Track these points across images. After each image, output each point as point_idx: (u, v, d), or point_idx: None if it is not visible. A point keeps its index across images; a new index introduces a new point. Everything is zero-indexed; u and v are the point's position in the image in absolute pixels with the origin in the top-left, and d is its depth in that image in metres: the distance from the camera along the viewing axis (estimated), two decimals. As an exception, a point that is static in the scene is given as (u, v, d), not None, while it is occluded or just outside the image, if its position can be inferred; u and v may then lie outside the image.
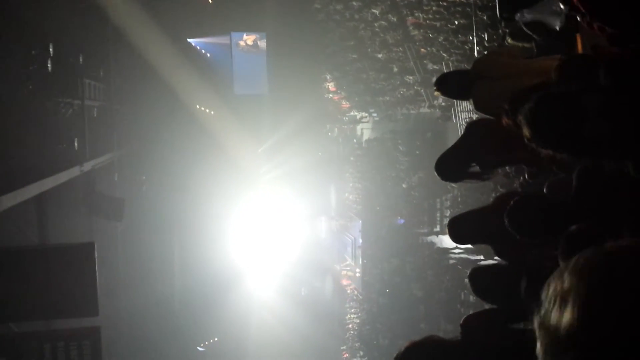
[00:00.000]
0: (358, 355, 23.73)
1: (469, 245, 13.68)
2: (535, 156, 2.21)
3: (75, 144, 14.53)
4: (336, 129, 26.43)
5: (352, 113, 24.70)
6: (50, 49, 13.36)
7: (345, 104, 24.26)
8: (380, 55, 18.76)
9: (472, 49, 12.46)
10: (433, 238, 19.41)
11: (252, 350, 26.05)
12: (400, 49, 17.45)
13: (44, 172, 12.22)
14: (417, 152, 19.96)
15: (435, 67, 15.74)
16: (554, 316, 1.00)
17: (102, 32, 18.37)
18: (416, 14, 15.54)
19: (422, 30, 15.60)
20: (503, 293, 3.51)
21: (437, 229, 19.26)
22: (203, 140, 23.10)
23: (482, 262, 14.97)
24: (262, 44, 25.75)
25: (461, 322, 3.78)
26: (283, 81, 24.18)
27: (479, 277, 3.76)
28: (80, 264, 12.03)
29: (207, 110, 24.95)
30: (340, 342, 24.95)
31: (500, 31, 9.75)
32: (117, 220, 17.87)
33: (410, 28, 16.34)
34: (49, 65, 13.22)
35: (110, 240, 18.69)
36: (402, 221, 21.27)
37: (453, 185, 14.29)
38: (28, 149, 12.39)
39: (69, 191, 14.92)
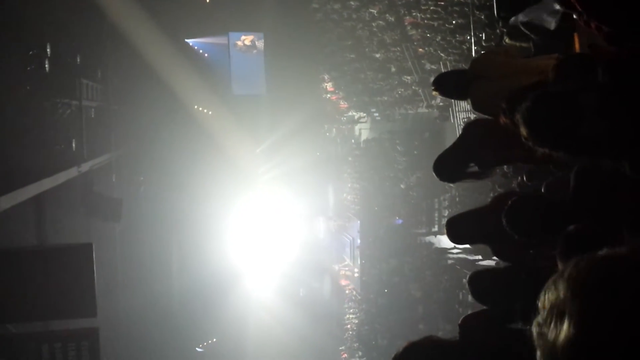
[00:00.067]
0: (357, 355, 23.74)
1: (467, 246, 13.69)
2: (533, 155, 2.21)
3: (73, 145, 14.52)
4: (334, 129, 26.44)
5: (350, 113, 24.71)
6: (48, 50, 13.34)
7: (343, 104, 24.26)
8: (378, 55, 18.77)
9: (469, 49, 12.47)
10: (431, 238, 19.42)
11: (251, 350, 26.04)
12: (398, 48, 17.46)
13: (42, 173, 12.20)
14: (415, 152, 19.97)
15: (433, 66, 15.75)
16: (550, 331, 1.00)
17: (100, 32, 18.35)
18: (414, 14, 15.55)
19: (419, 30, 15.61)
20: (502, 296, 3.51)
21: (435, 229, 19.26)
22: (201, 140, 23.08)
23: (481, 262, 14.98)
24: (260, 44, 25.74)
25: (460, 322, 3.78)
26: (281, 81, 24.17)
27: (478, 281, 3.76)
28: (78, 265, 12.01)
29: (205, 111, 24.93)
30: (339, 343, 24.96)
31: (497, 31, 9.77)
32: (115, 220, 17.85)
33: (408, 28, 16.35)
34: (46, 66, 13.20)
35: (109, 241, 18.67)
36: (400, 221, 21.28)
37: (451, 185, 14.29)
38: (26, 150, 12.36)
39: (67, 192, 14.90)
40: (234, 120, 24.06)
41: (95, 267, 12.27)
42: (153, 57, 20.98)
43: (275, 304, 26.65)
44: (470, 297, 3.83)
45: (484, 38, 11.31)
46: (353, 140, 25.76)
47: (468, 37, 12.66)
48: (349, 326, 24.75)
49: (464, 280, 15.85)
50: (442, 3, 13.79)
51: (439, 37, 14.42)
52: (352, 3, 19.11)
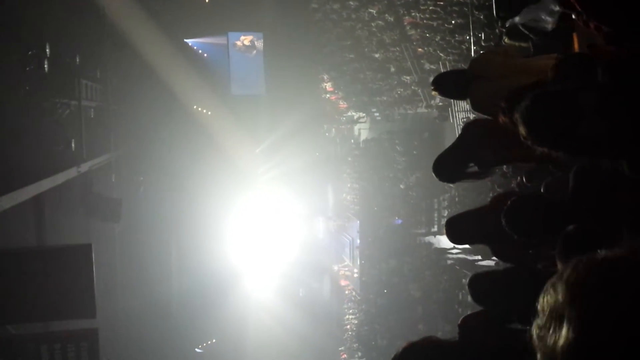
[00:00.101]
0: (356, 355, 23.74)
1: (467, 246, 13.69)
2: (532, 154, 2.21)
3: (72, 145, 14.50)
4: (333, 129, 26.44)
5: (349, 113, 24.72)
6: (47, 50, 13.33)
7: (342, 104, 24.27)
8: (377, 55, 18.77)
9: (469, 49, 12.47)
10: (431, 238, 19.42)
11: (250, 351, 26.05)
12: (397, 48, 17.45)
13: (41, 173, 12.19)
14: (415, 152, 19.97)
15: (432, 66, 15.75)
16: (550, 335, 0.99)
17: (99, 32, 18.34)
18: (413, 14, 15.54)
19: (419, 30, 15.61)
20: (501, 299, 3.50)
21: (435, 229, 19.26)
22: (200, 140, 23.09)
23: (480, 263, 14.98)
24: (259, 44, 25.75)
25: (459, 322, 3.78)
26: (280, 81, 24.17)
27: (478, 284, 3.76)
28: (77, 266, 12.01)
29: (205, 111, 24.93)
30: (339, 343, 24.96)
31: (497, 30, 9.77)
32: (114, 221, 17.84)
33: (407, 28, 16.35)
34: (45, 66, 13.19)
35: (108, 242, 18.66)
36: (399, 221, 21.28)
37: (450, 185, 14.30)
38: (25, 150, 12.35)
39: (67, 192, 14.89)
40: (233, 121, 24.06)
41: (95, 268, 12.26)
42: (152, 57, 20.98)
43: (274, 304, 26.65)
44: (469, 298, 3.82)
45: (483, 38, 11.30)
46: (352, 140, 25.77)
47: (467, 37, 12.65)
48: (348, 326, 24.75)
49: (464, 281, 15.86)
50: (442, 3, 13.79)
51: (438, 37, 14.42)
52: (351, 3, 19.11)
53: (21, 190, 10.89)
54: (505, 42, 5.91)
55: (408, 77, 17.88)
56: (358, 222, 24.52)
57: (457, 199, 16.76)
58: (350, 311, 25.02)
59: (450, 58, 14.22)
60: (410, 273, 19.80)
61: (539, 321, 1.03)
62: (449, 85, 4.58)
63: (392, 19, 17.12)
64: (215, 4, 24.19)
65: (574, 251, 1.35)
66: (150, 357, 20.53)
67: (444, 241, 17.27)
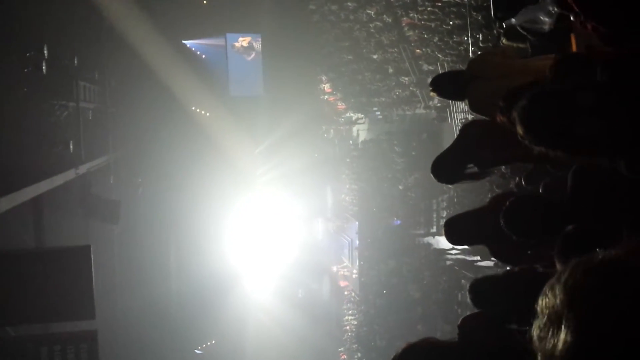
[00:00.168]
0: (356, 356, 23.72)
1: (466, 246, 13.68)
2: (530, 154, 2.21)
3: (71, 147, 14.50)
4: (332, 130, 26.44)
5: (348, 114, 24.71)
6: (45, 51, 13.33)
7: (341, 105, 24.26)
8: (375, 56, 18.76)
9: (467, 50, 12.46)
10: (430, 239, 19.40)
11: (250, 352, 26.04)
12: (396, 49, 17.45)
13: (40, 175, 12.19)
14: (413, 153, 19.95)
15: (430, 67, 15.74)
16: (549, 337, 1.00)
17: (97, 34, 18.35)
18: (411, 15, 15.54)
19: (417, 31, 15.60)
20: (502, 302, 3.50)
21: (434, 229, 19.24)
22: (199, 142, 23.09)
23: (479, 263, 14.98)
24: (258, 45, 25.76)
25: (459, 323, 3.78)
26: (279, 82, 24.18)
27: (478, 288, 3.77)
28: (76, 267, 12.01)
29: (203, 112, 24.94)
30: (338, 344, 24.94)
31: (494, 31, 9.77)
32: (113, 222, 17.83)
33: (405, 29, 16.34)
34: (43, 68, 13.19)
35: (107, 243, 18.66)
36: (398, 222, 21.26)
37: (449, 186, 14.29)
38: (23, 152, 12.36)
39: (65, 194, 14.89)
40: (231, 122, 24.06)
41: (94, 269, 12.26)
42: (150, 58, 20.99)
43: (274, 305, 26.64)
44: (469, 299, 3.83)
45: (481, 39, 11.31)
46: (351, 142, 25.75)
47: (465, 38, 12.65)
48: (347, 327, 24.73)
49: (463, 281, 15.85)
50: (439, 4, 13.78)
51: (436, 38, 14.41)
52: (349, 4, 19.11)
53: (20, 191, 10.89)
54: (503, 43, 5.92)
55: (406, 78, 17.87)
56: (357, 223, 24.50)
57: (455, 200, 16.75)
58: (350, 312, 25.00)
59: (449, 59, 14.21)
60: (409, 274, 19.79)
61: (538, 323, 1.03)
62: (447, 86, 4.58)
63: (390, 20, 17.11)
64: (214, 6, 24.20)
65: (573, 251, 1.35)
66: (149, 358, 20.52)
67: (443, 242, 17.26)
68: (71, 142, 14.57)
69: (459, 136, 4.33)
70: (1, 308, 11.38)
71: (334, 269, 27.58)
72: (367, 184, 23.16)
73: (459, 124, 14.45)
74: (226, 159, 24.07)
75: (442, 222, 14.75)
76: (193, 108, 24.50)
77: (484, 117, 4.29)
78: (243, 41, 25.80)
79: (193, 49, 25.33)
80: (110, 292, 18.13)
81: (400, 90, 18.71)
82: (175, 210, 22.48)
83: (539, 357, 1.02)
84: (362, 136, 24.82)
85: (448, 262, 17.49)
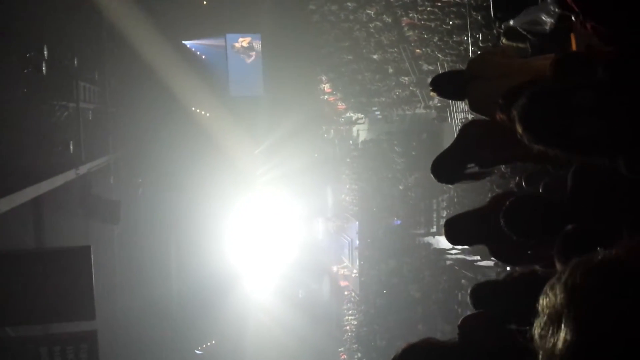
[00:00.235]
0: (356, 356, 23.73)
1: (466, 246, 13.68)
2: (530, 153, 2.21)
3: (71, 147, 14.50)
4: (332, 131, 26.45)
5: (348, 114, 24.71)
6: (45, 52, 13.33)
7: (341, 106, 24.26)
8: (375, 56, 18.75)
9: (466, 50, 12.46)
10: (430, 239, 19.40)
11: (250, 352, 26.04)
12: (395, 49, 17.44)
13: (40, 176, 12.19)
14: (413, 153, 19.95)
15: (430, 67, 15.73)
16: (549, 336, 1.00)
17: (97, 34, 18.35)
18: (411, 15, 15.53)
19: (416, 31, 15.60)
20: (503, 304, 3.51)
21: (434, 229, 19.24)
22: (199, 142, 23.10)
23: (480, 263, 14.98)
24: (257, 45, 25.76)
25: (459, 323, 3.78)
26: (279, 83, 24.19)
27: (479, 292, 3.77)
28: (76, 268, 12.01)
29: (203, 113, 24.94)
30: (338, 344, 24.94)
31: (494, 31, 9.77)
32: (113, 223, 17.83)
33: (405, 29, 16.33)
34: (43, 68, 13.19)
35: (107, 243, 18.65)
36: (398, 222, 21.27)
37: (449, 186, 14.28)
38: (24, 153, 12.36)
39: (65, 194, 14.89)
40: (232, 122, 24.07)
41: (94, 270, 12.27)
42: (150, 59, 20.99)
43: (274, 305, 26.65)
44: (470, 303, 3.83)
45: (480, 39, 11.30)
46: (351, 142, 25.76)
47: (465, 38, 12.64)
48: (348, 327, 24.73)
49: (463, 281, 15.85)
50: (439, 4, 13.78)
51: (436, 38, 14.40)
52: (349, 4, 19.11)
53: (20, 192, 10.89)
54: (502, 43, 5.92)
55: (406, 78, 17.86)
56: (357, 222, 24.51)
57: (456, 200, 16.75)
58: (350, 312, 25.01)
59: (448, 59, 14.21)
60: (409, 274, 19.79)
61: (539, 321, 1.04)
62: (447, 86, 4.58)
63: (390, 20, 17.11)
64: (213, 6, 24.21)
65: (572, 251, 1.35)
66: (149, 358, 20.52)
67: (443, 242, 17.25)
68: (71, 142, 14.57)
69: (458, 136, 4.32)
70: (1, 308, 11.38)
71: (334, 269, 27.59)
72: (367, 183, 23.17)
73: (459, 123, 14.45)
74: (226, 159, 24.07)
75: (442, 222, 14.74)
76: (193, 108, 24.51)
77: (483, 117, 4.29)
78: (243, 41, 25.81)
79: (193, 49, 25.34)
80: (110, 292, 18.13)
81: (400, 90, 18.70)
82: (175, 211, 22.48)
83: (540, 355, 1.03)
84: (362, 136, 24.83)
85: (448, 262, 17.49)
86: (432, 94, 4.71)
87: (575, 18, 3.18)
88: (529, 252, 3.80)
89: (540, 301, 1.05)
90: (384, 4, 17.04)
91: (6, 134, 11.76)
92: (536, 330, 1.04)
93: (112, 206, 17.63)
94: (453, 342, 3.00)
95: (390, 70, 18.46)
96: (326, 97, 24.62)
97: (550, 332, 1.00)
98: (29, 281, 11.56)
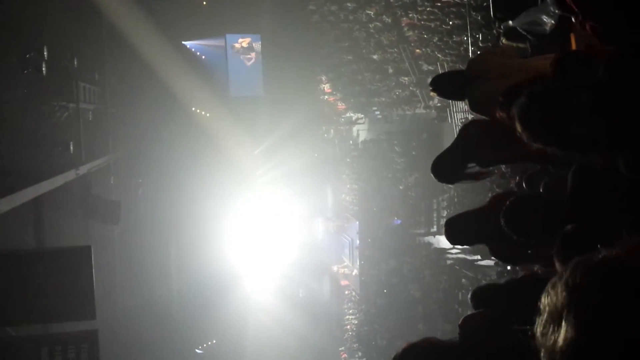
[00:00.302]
0: (356, 356, 23.73)
1: (466, 246, 13.68)
2: (530, 152, 2.22)
3: (71, 148, 14.49)
4: (332, 131, 26.45)
5: (348, 114, 24.72)
6: (45, 52, 13.32)
7: (340, 106, 24.27)
8: (375, 57, 18.76)
9: (466, 50, 12.46)
10: (430, 238, 19.41)
11: (250, 352, 26.04)
12: (395, 50, 17.45)
13: (40, 176, 12.19)
14: (413, 152, 19.96)
15: (430, 67, 15.74)
16: (550, 334, 1.01)
17: (97, 35, 18.35)
18: (410, 15, 15.54)
19: (416, 31, 15.60)
20: (503, 305, 3.51)
21: (434, 229, 19.25)
22: (199, 142, 23.10)
23: (480, 263, 14.99)
24: (257, 45, 25.77)
25: (459, 322, 3.79)
26: (278, 83, 24.20)
27: (480, 295, 3.77)
28: (77, 268, 12.01)
29: (203, 113, 24.95)
30: (339, 343, 24.95)
31: (494, 31, 9.77)
32: (113, 223, 17.83)
33: (405, 29, 16.34)
34: (43, 69, 13.18)
35: (107, 244, 18.65)
36: (399, 222, 21.28)
37: (449, 185, 14.28)
38: (24, 153, 12.36)
39: (66, 194, 14.89)
40: (232, 122, 24.08)
41: (94, 270, 12.26)
42: (150, 59, 20.99)
43: (274, 305, 26.65)
44: (470, 301, 3.84)
45: (480, 39, 11.30)
46: (351, 142, 25.77)
47: (465, 38, 12.64)
48: (348, 327, 24.74)
49: (464, 280, 15.85)
50: (439, 4, 13.78)
51: (436, 38, 14.40)
52: (348, 4, 19.11)
53: (20, 192, 10.89)
54: (502, 43, 5.92)
55: (406, 78, 17.87)
56: (357, 222, 24.52)
57: (456, 199, 16.75)
58: (350, 311, 25.01)
59: (448, 59, 14.21)
60: (409, 273, 19.80)
61: (540, 319, 1.05)
62: (447, 86, 4.59)
63: (389, 20, 17.11)
64: (213, 6, 24.21)
65: (572, 251, 1.36)
66: (150, 358, 20.52)
67: (443, 241, 17.25)
68: (71, 142, 14.57)
69: (458, 136, 4.33)
70: (2, 308, 11.38)
71: (335, 268, 27.59)
72: (368, 183, 23.18)
73: (459, 123, 14.46)
74: (226, 159, 24.08)
75: (443, 221, 14.75)
76: (193, 109, 24.51)
77: (484, 117, 4.29)
78: (243, 42, 25.81)
79: (193, 49, 25.34)
80: (110, 292, 18.14)
81: (400, 90, 18.71)
82: (175, 211, 22.49)
83: (541, 353, 1.03)
84: (362, 136, 24.83)
85: (448, 262, 17.49)
86: (432, 94, 4.72)
87: (574, 18, 3.19)
88: (529, 251, 3.81)
89: (542, 300, 1.06)
90: (383, 4, 17.05)
91: (6, 134, 11.76)
92: (538, 329, 1.05)
93: (112, 206, 17.63)
94: (453, 342, 3.00)
95: (390, 71, 18.47)
96: (326, 97, 24.63)
97: (551, 330, 1.01)
98: (30, 281, 11.56)
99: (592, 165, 2.59)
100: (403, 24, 16.41)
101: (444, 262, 17.71)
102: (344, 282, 26.83)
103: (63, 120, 14.85)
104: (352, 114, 24.40)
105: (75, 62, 15.69)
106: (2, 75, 12.32)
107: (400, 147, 20.74)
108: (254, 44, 25.79)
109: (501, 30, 6.12)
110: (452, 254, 17.18)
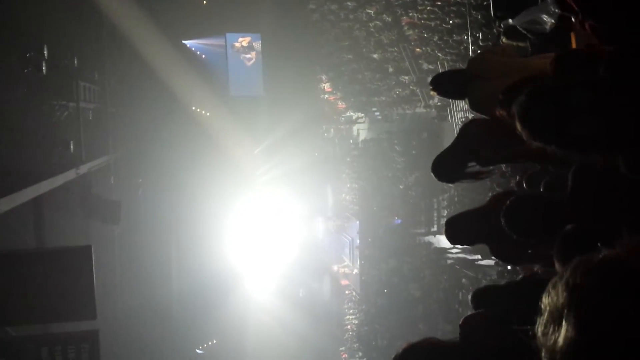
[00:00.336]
0: (357, 356, 23.75)
1: (467, 245, 13.67)
2: (531, 152, 2.22)
3: (71, 147, 14.50)
4: (332, 130, 26.46)
5: (348, 114, 24.72)
6: (45, 52, 13.33)
7: (341, 105, 24.27)
8: (375, 56, 18.77)
9: (467, 49, 12.46)
10: (430, 238, 19.41)
11: (251, 352, 26.04)
12: (395, 49, 17.45)
13: (41, 175, 12.19)
14: (414, 152, 19.96)
15: (430, 66, 15.74)
16: (550, 334, 1.01)
17: (97, 34, 18.35)
18: (411, 14, 15.54)
19: (416, 30, 15.61)
20: (504, 305, 3.51)
21: (435, 228, 19.25)
22: (199, 142, 23.10)
23: (480, 262, 14.98)
24: (257, 45, 25.77)
25: (460, 322, 3.79)
26: (279, 82, 24.20)
27: (481, 298, 3.77)
28: (77, 268, 12.00)
29: (203, 112, 24.95)
30: (339, 343, 24.96)
31: (494, 30, 9.77)
32: (114, 223, 17.83)
33: (405, 28, 16.34)
34: (43, 68, 13.18)
35: (108, 243, 18.65)
36: (399, 221, 21.28)
37: (450, 185, 14.28)
38: (24, 152, 12.36)
39: (66, 194, 14.90)
40: (232, 121, 24.08)
41: (95, 270, 12.26)
42: (150, 58, 20.99)
43: (274, 305, 26.65)
44: (470, 303, 3.83)
45: (481, 38, 11.30)
46: (351, 141, 25.77)
47: (465, 37, 12.65)
48: (348, 327, 24.75)
49: (464, 280, 15.85)
50: (439, 3, 13.79)
51: (436, 37, 14.41)
52: (349, 4, 19.12)
53: (20, 192, 10.89)
54: (503, 42, 5.91)
55: (406, 77, 17.87)
56: (357, 222, 24.52)
57: (456, 199, 16.75)
58: (351, 311, 25.03)
59: (448, 58, 14.22)
60: (410, 273, 19.80)
61: (541, 319, 1.05)
62: (447, 85, 4.58)
63: (389, 19, 17.11)
64: (213, 6, 24.20)
65: (572, 252, 1.35)
66: (150, 358, 20.53)
67: (443, 241, 17.25)
68: (71, 142, 14.57)
69: (459, 135, 4.32)
70: (2, 308, 11.38)
71: (335, 268, 27.59)
72: (368, 183, 23.18)
73: (459, 122, 14.46)
74: (226, 158, 24.07)
75: (443, 221, 14.75)
76: (193, 108, 24.51)
77: (484, 116, 4.29)
78: (243, 41, 25.81)
79: (193, 49, 25.34)
80: (111, 292, 18.14)
81: (400, 90, 18.72)
82: (175, 210, 22.49)
83: (542, 353, 1.03)
84: (363, 135, 24.84)
85: (449, 261, 17.50)
86: (432, 93, 4.72)
87: (574, 18, 3.18)
88: (529, 251, 3.80)
89: (543, 299, 1.06)
90: (383, 3, 17.05)
91: (6, 134, 11.76)
92: (539, 328, 1.05)
93: (112, 206, 17.62)
94: (454, 342, 3.00)
95: (390, 70, 18.47)
96: (326, 96, 24.64)
97: (551, 330, 1.01)
98: (30, 281, 11.56)
99: (592, 165, 2.59)
100: (403, 23, 16.41)
101: (445, 262, 17.72)
102: (344, 282, 26.84)
103: (63, 120, 14.85)
104: (352, 113, 24.40)
105: (76, 62, 15.70)
106: (2, 75, 12.32)
107: (401, 147, 20.74)
108: (254, 43, 25.79)
109: (501, 29, 6.12)
110: (452, 253, 17.18)
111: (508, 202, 3.16)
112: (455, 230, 4.15)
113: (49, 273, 11.75)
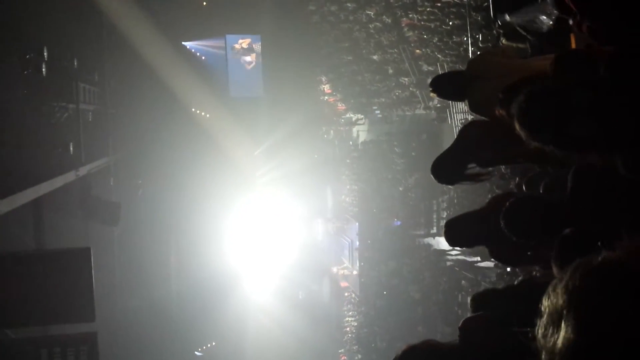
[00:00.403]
0: (356, 358, 23.73)
1: (466, 247, 13.64)
2: (530, 153, 2.21)
3: (71, 149, 14.49)
4: (332, 131, 26.46)
5: (347, 115, 24.72)
6: (45, 53, 13.33)
7: (340, 106, 24.27)
8: (375, 57, 18.77)
9: (466, 50, 12.46)
10: (430, 240, 19.40)
11: (250, 354, 26.03)
12: (395, 50, 17.45)
13: (40, 177, 12.18)
14: (413, 153, 19.96)
15: (430, 68, 15.74)
16: (550, 336, 1.02)
17: (97, 35, 18.35)
18: (410, 16, 15.54)
19: (416, 32, 15.61)
20: (504, 307, 3.50)
21: (434, 230, 19.24)
22: (199, 143, 23.11)
23: (480, 264, 14.97)
24: (257, 46, 25.79)
25: (460, 325, 3.78)
26: (278, 83, 24.22)
27: (481, 302, 3.76)
28: (76, 269, 11.99)
29: (203, 114, 24.96)
30: (338, 345, 24.95)
31: (494, 32, 9.76)
32: (113, 224, 17.82)
33: (405, 29, 16.34)
34: (43, 70, 13.18)
35: (107, 245, 18.65)
36: (398, 223, 21.27)
37: (449, 186, 14.27)
38: (23, 154, 12.35)
39: (65, 196, 14.89)
40: (231, 123, 24.09)
41: (94, 271, 12.25)
42: (150, 60, 21.00)
43: (274, 306, 26.64)
44: (469, 299, 3.83)
45: (480, 39, 11.29)
46: (351, 142, 25.77)
47: (465, 39, 12.64)
48: (348, 329, 24.74)
49: (464, 282, 15.84)
50: (439, 4, 13.79)
51: (436, 39, 14.41)
52: (348, 5, 19.12)
53: (20, 193, 10.88)
54: (502, 43, 5.91)
55: (406, 79, 17.87)
56: (357, 223, 24.51)
57: (456, 201, 16.74)
58: (350, 313, 25.01)
59: (448, 59, 14.21)
60: (409, 275, 19.79)
61: (541, 321, 1.04)
62: (446, 86, 4.58)
63: (389, 21, 17.11)
64: (213, 7, 24.22)
65: (570, 254, 1.35)
66: (149, 360, 20.52)
67: (443, 243, 17.24)
68: (71, 144, 14.56)
69: (458, 137, 4.32)
70: (1, 310, 11.37)
71: (334, 270, 27.58)
72: (367, 184, 23.18)
73: (459, 124, 14.46)
74: (226, 160, 24.08)
75: (443, 222, 14.72)
76: (193, 109, 24.52)
77: (483, 118, 4.28)
78: (243, 42, 25.83)
79: (193, 50, 25.36)
80: (110, 293, 18.13)
81: (400, 91, 18.71)
82: (175, 212, 22.49)
83: (542, 354, 1.03)
84: (362, 137, 24.84)
85: (448, 263, 17.48)
86: (432, 94, 4.71)
87: (572, 20, 3.18)
88: (529, 253, 3.80)
89: (543, 301, 1.07)
90: (383, 5, 17.05)
91: (6, 135, 11.75)
92: (539, 330, 1.05)
93: (112, 207, 17.62)
94: (453, 344, 2.99)
95: (390, 71, 18.47)
96: (326, 97, 24.64)
97: (551, 331, 1.01)
98: (29, 283, 11.54)
99: (591, 165, 2.58)
100: (403, 25, 16.41)
101: (444, 264, 17.70)
102: (343, 284, 26.83)
103: (63, 121, 14.85)
104: (352, 115, 24.40)
105: (75, 63, 15.70)
106: (2, 75, 12.32)
107: (400, 148, 20.74)
108: (253, 45, 25.81)
109: (501, 31, 6.11)
110: (451, 255, 17.17)
111: (507, 203, 3.16)
112: (455, 232, 4.14)
113: (49, 275, 11.74)
